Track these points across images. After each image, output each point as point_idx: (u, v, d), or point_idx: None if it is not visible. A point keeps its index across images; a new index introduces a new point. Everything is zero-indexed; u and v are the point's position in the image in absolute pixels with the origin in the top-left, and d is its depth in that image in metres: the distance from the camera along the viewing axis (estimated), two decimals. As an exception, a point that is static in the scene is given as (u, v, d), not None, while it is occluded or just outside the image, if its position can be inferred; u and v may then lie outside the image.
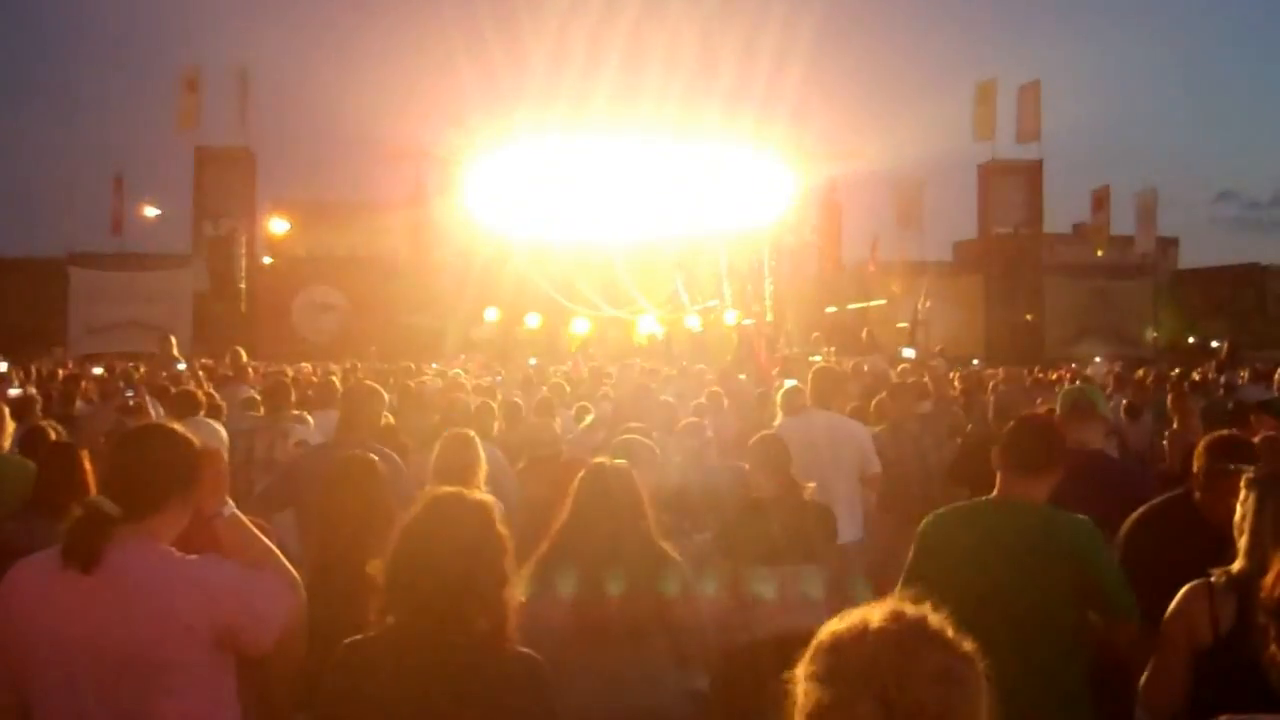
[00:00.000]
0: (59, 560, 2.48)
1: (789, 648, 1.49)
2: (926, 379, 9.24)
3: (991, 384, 11.50)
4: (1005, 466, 3.63)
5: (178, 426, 2.78)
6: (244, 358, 13.22)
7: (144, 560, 2.50)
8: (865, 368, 13.00)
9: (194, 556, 2.57)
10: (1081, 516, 3.52)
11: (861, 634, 1.36)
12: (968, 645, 1.38)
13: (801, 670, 1.40)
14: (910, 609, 1.40)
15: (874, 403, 8.36)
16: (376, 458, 4.32)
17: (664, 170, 27.89)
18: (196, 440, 2.71)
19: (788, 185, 29.53)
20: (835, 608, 1.52)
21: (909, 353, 22.01)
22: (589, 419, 8.70)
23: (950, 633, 1.38)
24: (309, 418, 7.59)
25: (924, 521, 3.69)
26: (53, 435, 5.49)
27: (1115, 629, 3.51)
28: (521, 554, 2.92)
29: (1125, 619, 3.45)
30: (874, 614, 1.39)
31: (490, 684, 2.42)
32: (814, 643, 1.41)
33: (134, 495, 2.53)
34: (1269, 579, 2.58)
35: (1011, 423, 3.90)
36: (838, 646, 1.38)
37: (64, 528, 2.56)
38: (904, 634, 1.36)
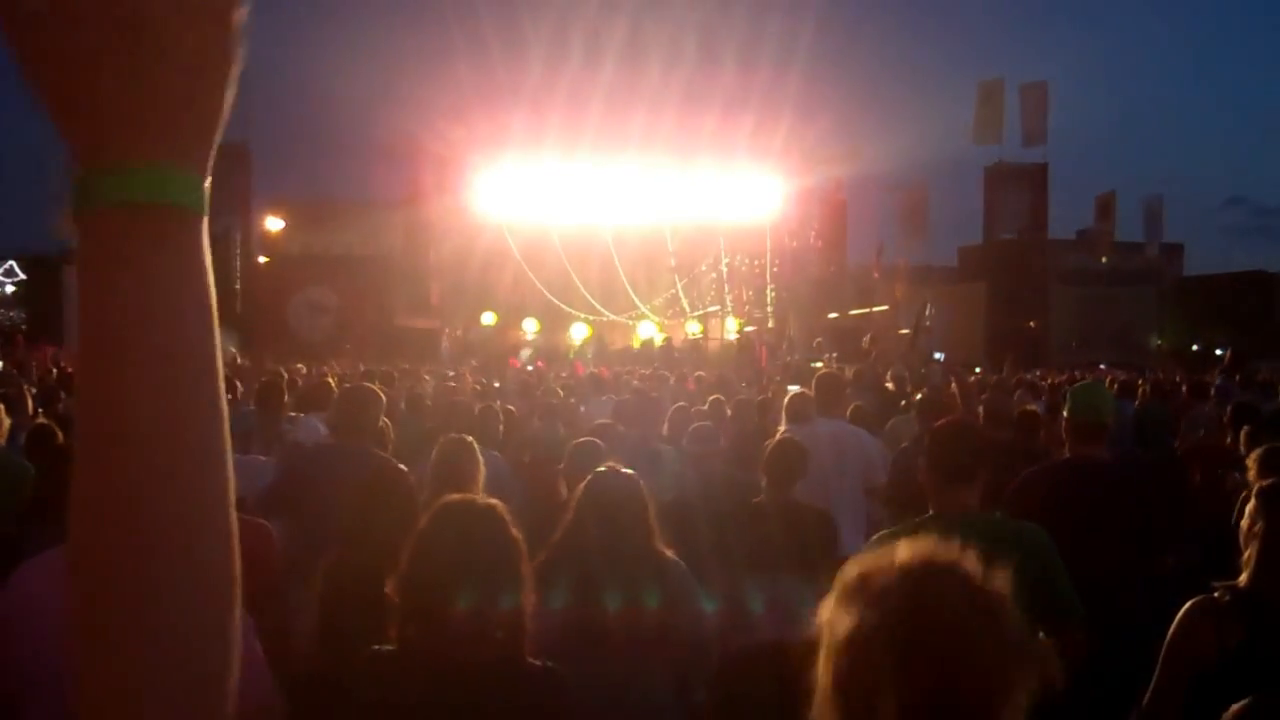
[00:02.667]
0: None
1: (783, 656, 1.48)
2: (955, 389, 8.90)
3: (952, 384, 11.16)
4: (935, 479, 3.51)
5: None
6: (238, 358, 13.31)
7: None
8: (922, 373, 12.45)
9: None
10: (1030, 524, 3.43)
11: (891, 569, 1.35)
12: (1000, 585, 1.35)
13: (830, 605, 1.38)
14: (943, 550, 1.37)
15: (851, 409, 8.02)
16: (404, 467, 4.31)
17: (665, 173, 27.58)
18: None
19: (791, 189, 29.23)
20: None
21: (939, 356, 21.63)
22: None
23: (982, 574, 1.35)
24: (306, 419, 7.43)
25: (866, 547, 3.55)
26: (60, 436, 5.39)
27: (1064, 638, 3.35)
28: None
29: (1074, 627, 3.35)
30: (905, 551, 1.36)
31: (509, 698, 2.39)
32: (843, 577, 1.40)
33: None
34: None
35: (927, 433, 3.83)
36: (867, 580, 1.36)
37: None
38: (936, 570, 1.34)
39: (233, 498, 0.69)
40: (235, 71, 0.71)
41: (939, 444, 3.59)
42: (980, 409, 7.86)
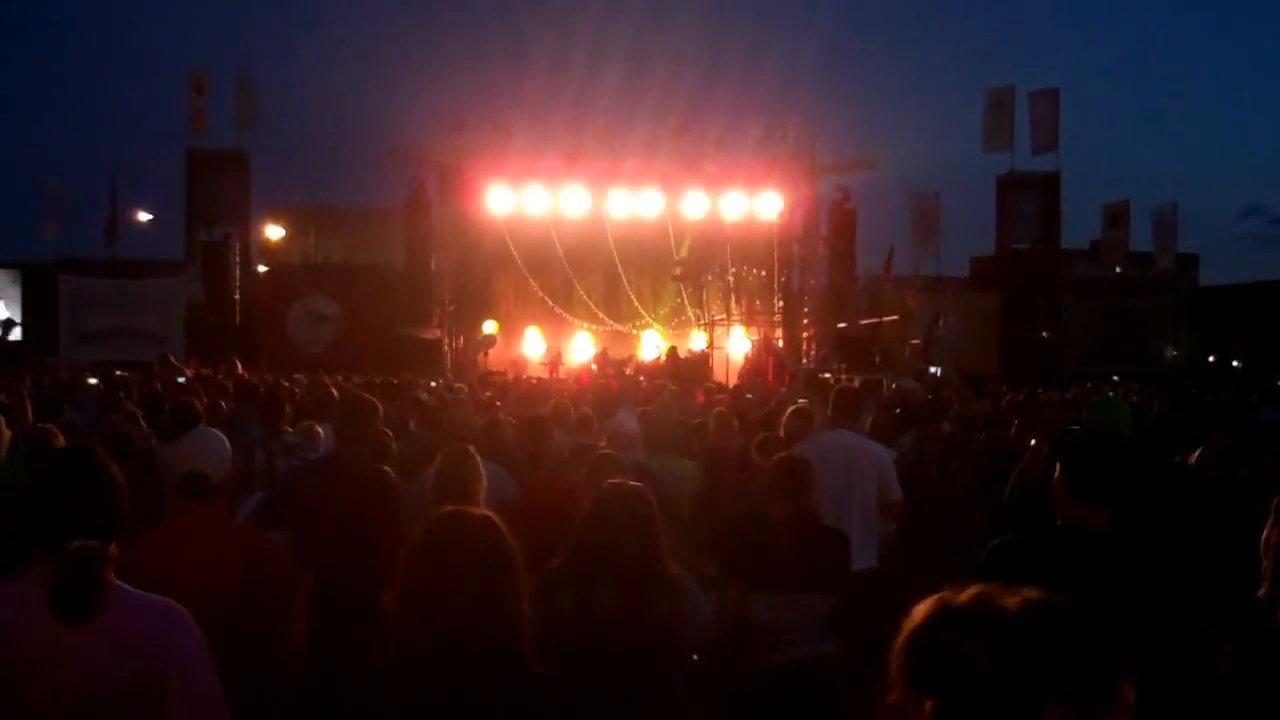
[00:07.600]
0: (43, 599, 2.37)
1: (796, 678, 1.51)
2: (951, 396, 8.73)
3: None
4: (1065, 492, 3.43)
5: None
6: (239, 368, 13.35)
7: (142, 609, 2.48)
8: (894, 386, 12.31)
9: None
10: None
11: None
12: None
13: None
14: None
15: (871, 420, 7.93)
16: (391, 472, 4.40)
17: (671, 181, 27.16)
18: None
19: (800, 196, 28.80)
20: (844, 638, 1.38)
21: (934, 370, 21.28)
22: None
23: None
24: (319, 430, 7.25)
25: (986, 553, 3.42)
26: (59, 443, 5.30)
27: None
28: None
29: None
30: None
31: (511, 706, 2.43)
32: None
33: (106, 522, 2.49)
34: None
35: (1071, 444, 3.62)
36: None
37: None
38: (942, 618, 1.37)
39: None
40: None
41: (1079, 457, 3.47)
42: (1013, 426, 7.72)
